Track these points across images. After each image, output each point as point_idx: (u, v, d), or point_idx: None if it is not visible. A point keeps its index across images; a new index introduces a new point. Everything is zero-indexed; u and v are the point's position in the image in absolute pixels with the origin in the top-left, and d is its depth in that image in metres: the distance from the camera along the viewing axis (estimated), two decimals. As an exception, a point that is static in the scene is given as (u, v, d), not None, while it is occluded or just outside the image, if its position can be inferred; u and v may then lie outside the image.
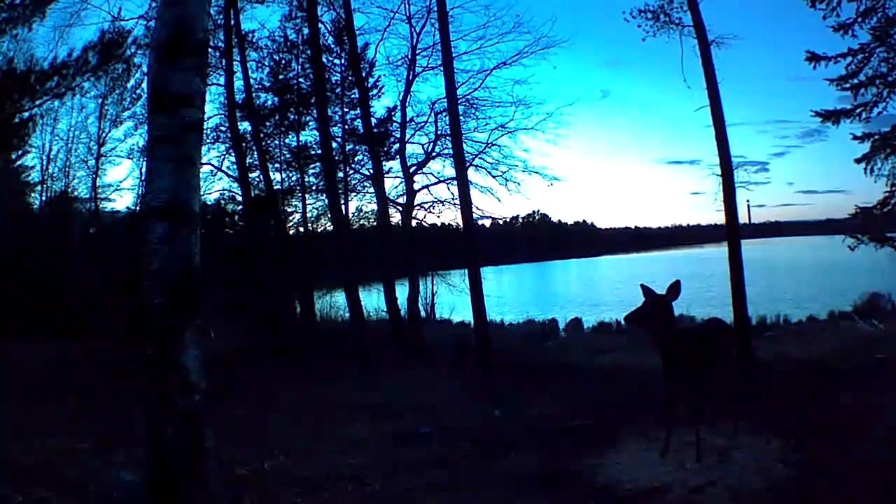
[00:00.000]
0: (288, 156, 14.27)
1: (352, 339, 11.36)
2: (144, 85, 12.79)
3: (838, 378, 6.53)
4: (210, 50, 10.38)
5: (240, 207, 13.99)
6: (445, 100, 11.21)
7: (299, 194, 14.32)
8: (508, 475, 4.58)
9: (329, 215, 13.08)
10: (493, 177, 13.26)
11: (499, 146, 13.29)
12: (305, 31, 12.84)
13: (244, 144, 13.12)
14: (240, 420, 6.26)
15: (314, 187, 14.22)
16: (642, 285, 4.96)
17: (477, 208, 12.48)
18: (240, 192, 13.37)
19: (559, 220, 67.68)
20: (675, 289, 4.79)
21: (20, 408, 5.81)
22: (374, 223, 14.27)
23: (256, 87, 13.53)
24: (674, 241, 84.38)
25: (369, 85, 13.49)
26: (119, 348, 8.87)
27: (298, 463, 4.94)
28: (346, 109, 13.82)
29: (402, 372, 9.43)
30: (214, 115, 13.39)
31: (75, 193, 14.46)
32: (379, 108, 17.70)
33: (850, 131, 10.62)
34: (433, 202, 13.92)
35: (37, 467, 4.18)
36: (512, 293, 30.58)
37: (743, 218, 8.08)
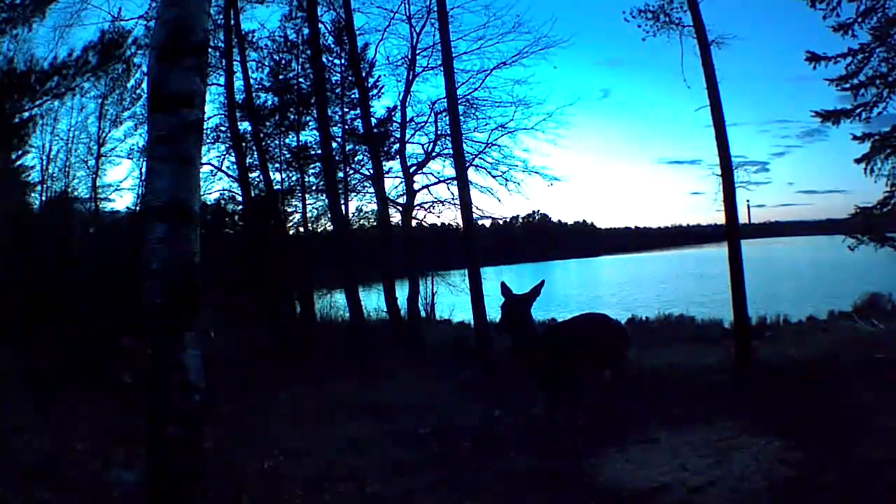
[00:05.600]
0: (288, 156, 14.26)
1: (352, 339, 11.36)
2: (144, 85, 12.76)
3: (838, 378, 6.52)
4: (210, 50, 10.37)
5: (240, 207, 13.97)
6: (445, 100, 11.19)
7: (299, 194, 14.30)
8: (508, 475, 4.58)
9: (329, 215, 13.07)
10: (493, 177, 13.27)
11: (499, 146, 13.29)
12: (305, 31, 12.83)
13: (244, 144, 13.09)
14: (240, 420, 6.27)
15: (314, 187, 14.20)
16: (502, 284, 4.97)
17: (477, 208, 12.48)
18: (240, 192, 13.34)
19: (559, 220, 67.60)
20: (535, 290, 4.85)
21: (20, 407, 5.81)
22: (374, 223, 14.26)
23: (256, 87, 13.53)
24: (674, 241, 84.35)
25: (369, 85, 13.47)
26: (120, 348, 8.85)
27: (298, 463, 4.95)
28: (346, 109, 13.82)
29: (401, 372, 9.42)
30: (214, 115, 13.38)
31: (75, 193, 14.44)
32: (379, 108, 17.71)
33: (850, 131, 10.62)
34: (433, 202, 13.92)
35: (37, 467, 4.18)
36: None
37: (743, 218, 8.05)
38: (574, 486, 4.30)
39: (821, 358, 7.76)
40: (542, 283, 4.93)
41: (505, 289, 4.85)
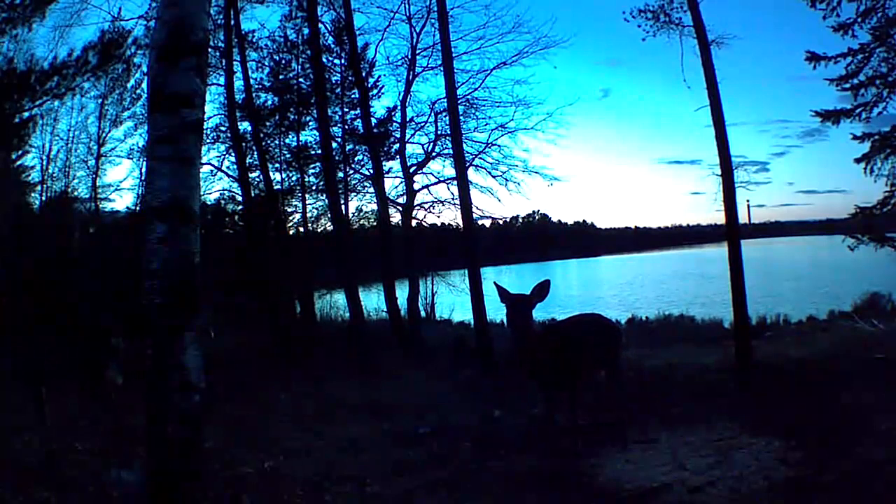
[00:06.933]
0: (288, 156, 14.29)
1: (352, 339, 11.36)
2: (144, 85, 12.79)
3: (838, 378, 6.52)
4: (210, 50, 10.38)
5: (240, 207, 13.99)
6: (445, 100, 11.19)
7: (299, 194, 14.32)
8: (508, 475, 4.58)
9: (329, 215, 13.08)
10: (493, 177, 13.27)
11: (499, 146, 13.30)
12: (305, 31, 12.86)
13: (244, 144, 13.10)
14: (240, 420, 6.27)
15: (314, 187, 14.23)
16: (495, 283, 4.87)
17: (477, 208, 12.49)
18: (240, 192, 13.37)
19: (559, 220, 67.77)
20: (538, 292, 4.65)
21: (20, 407, 5.82)
22: (374, 223, 14.27)
23: (256, 87, 13.55)
24: (674, 241, 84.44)
25: (369, 85, 13.49)
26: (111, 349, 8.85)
27: (298, 463, 4.95)
28: (346, 109, 13.84)
29: (401, 372, 9.42)
30: (214, 115, 13.41)
31: (75, 193, 14.46)
32: (379, 108, 17.77)
33: (850, 131, 10.61)
34: (433, 202, 13.93)
35: (37, 467, 4.19)
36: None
37: (743, 218, 8.03)
38: (574, 486, 4.30)
39: (821, 358, 7.75)
40: (548, 282, 4.66)
41: (500, 289, 4.80)
